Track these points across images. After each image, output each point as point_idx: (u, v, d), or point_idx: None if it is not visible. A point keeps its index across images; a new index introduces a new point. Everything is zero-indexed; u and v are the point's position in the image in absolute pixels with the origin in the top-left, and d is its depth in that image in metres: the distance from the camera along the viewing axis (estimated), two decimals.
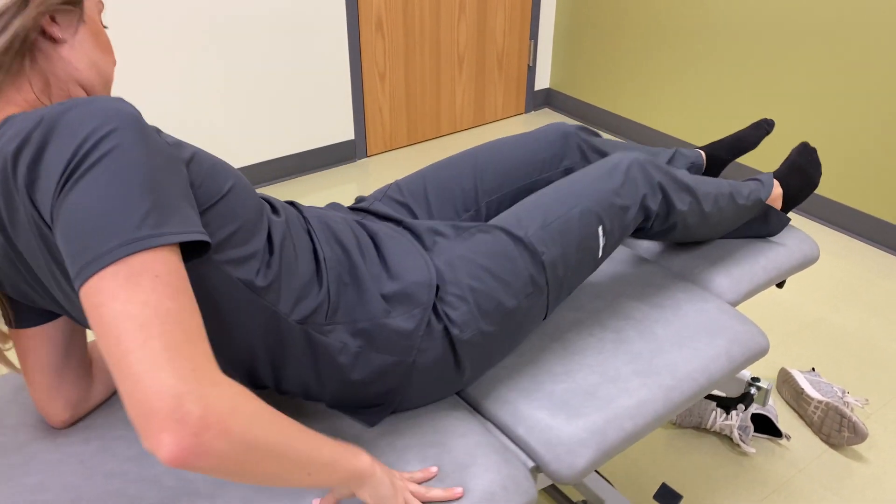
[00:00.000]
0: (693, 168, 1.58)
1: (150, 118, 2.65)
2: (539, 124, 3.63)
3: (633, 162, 1.19)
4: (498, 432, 1.07)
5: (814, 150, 1.52)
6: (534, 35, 3.54)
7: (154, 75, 2.57)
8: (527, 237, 1.09)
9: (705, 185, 1.32)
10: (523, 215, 1.12)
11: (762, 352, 1.23)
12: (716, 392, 1.59)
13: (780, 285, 1.58)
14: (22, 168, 0.70)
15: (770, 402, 1.71)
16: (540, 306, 1.12)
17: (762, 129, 1.59)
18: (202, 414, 0.61)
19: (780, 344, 2.11)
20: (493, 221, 1.13)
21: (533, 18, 3.50)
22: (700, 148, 1.61)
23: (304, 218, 1.00)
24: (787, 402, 1.91)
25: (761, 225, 1.46)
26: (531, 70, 3.63)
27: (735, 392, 1.37)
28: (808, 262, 1.47)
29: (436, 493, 0.91)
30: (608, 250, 1.20)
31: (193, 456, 0.61)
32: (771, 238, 1.47)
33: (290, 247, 0.91)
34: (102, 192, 0.66)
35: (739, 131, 1.61)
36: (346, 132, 3.15)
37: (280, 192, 3.01)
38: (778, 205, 1.49)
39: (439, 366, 1.02)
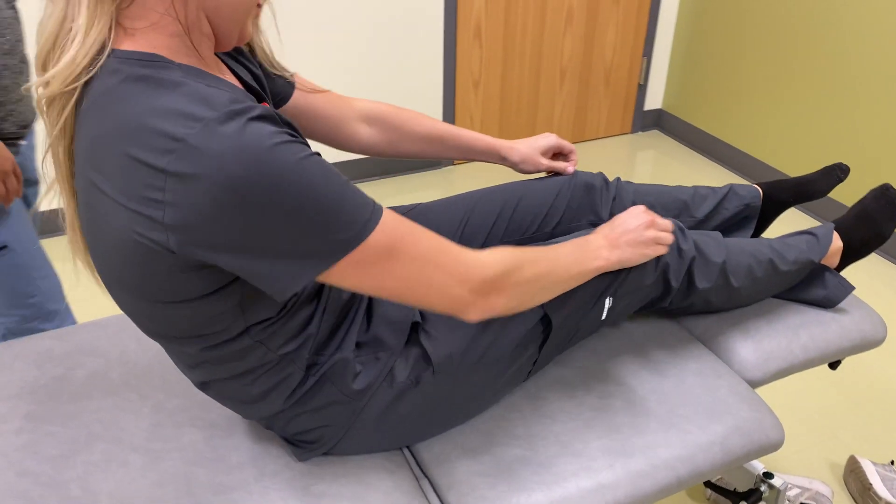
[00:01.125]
0: (747, 210, 1.39)
1: None
2: (647, 146, 3.42)
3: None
4: (431, 493, 0.97)
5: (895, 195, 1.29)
6: (647, 53, 3.34)
7: None
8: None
9: (740, 254, 1.16)
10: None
11: (772, 446, 1.05)
12: (721, 483, 1.38)
13: (832, 365, 1.36)
14: None
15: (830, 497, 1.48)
16: (528, 358, 1.02)
17: (834, 175, 1.37)
18: (482, 297, 0.81)
19: (857, 423, 1.85)
20: None
21: (648, 35, 3.29)
22: (759, 184, 1.41)
23: None
24: (853, 497, 1.66)
25: (816, 289, 1.26)
26: (641, 89, 3.43)
27: (742, 485, 1.19)
28: (866, 344, 1.25)
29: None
30: (612, 317, 1.09)
31: (492, 314, 0.83)
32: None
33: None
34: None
35: (808, 174, 1.41)
36: None
37: (366, 192, 3.00)
38: (835, 261, 1.29)
39: (388, 412, 0.94)
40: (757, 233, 1.43)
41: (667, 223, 1.06)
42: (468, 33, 2.93)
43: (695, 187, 1.38)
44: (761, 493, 1.13)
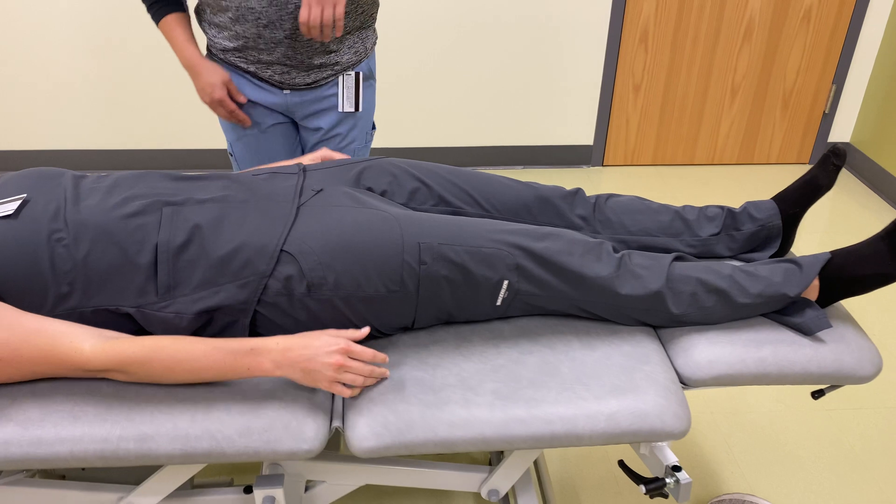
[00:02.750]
0: (764, 230, 1.35)
1: (409, 105, 2.98)
2: None
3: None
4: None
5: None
6: (838, 80, 3.09)
7: (418, 61, 2.90)
8: (415, 242, 1.12)
9: (685, 282, 1.18)
10: (439, 223, 1.15)
11: (666, 434, 1.07)
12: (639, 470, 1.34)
13: (814, 395, 1.29)
14: None
15: None
16: (407, 309, 1.15)
17: (828, 162, 1.30)
18: (100, 373, 1.06)
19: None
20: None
21: (841, 61, 3.05)
22: (775, 201, 1.37)
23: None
24: None
25: (793, 316, 1.21)
26: (826, 118, 3.18)
27: (650, 472, 1.17)
28: (844, 378, 1.18)
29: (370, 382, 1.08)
30: (512, 310, 1.21)
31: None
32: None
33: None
34: None
35: (805, 174, 1.34)
36: (585, 137, 3.16)
37: None
38: (813, 294, 1.23)
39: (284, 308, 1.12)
40: (781, 250, 1.39)
41: (363, 371, 1.05)
42: (634, 37, 2.95)
43: (705, 207, 1.38)
44: (665, 482, 1.13)
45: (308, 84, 1.61)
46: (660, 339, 1.24)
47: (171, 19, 1.57)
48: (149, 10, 1.59)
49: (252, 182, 1.22)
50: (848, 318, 1.27)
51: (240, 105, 1.63)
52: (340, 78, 1.62)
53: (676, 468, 1.13)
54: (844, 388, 2.01)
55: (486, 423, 1.05)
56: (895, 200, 2.96)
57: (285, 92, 1.62)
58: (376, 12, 1.63)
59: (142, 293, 1.09)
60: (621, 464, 1.20)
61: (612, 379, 1.11)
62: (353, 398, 1.09)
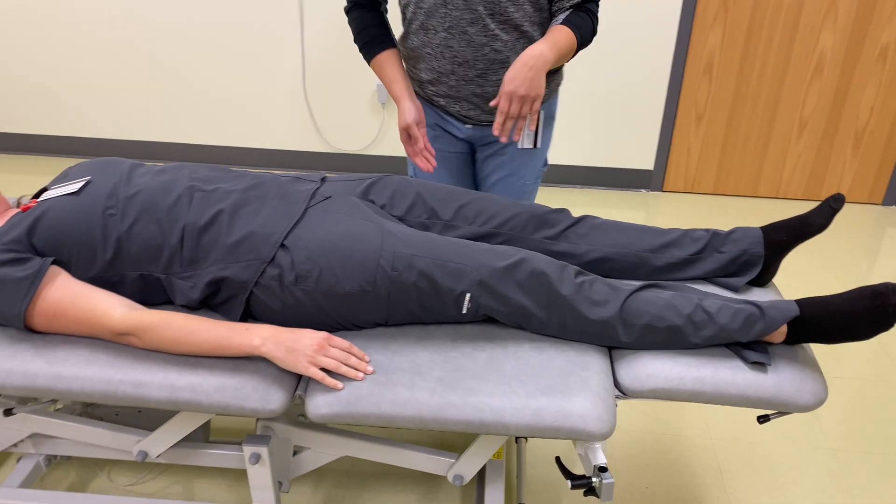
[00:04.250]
0: (745, 255, 1.41)
1: None
2: None
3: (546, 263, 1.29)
4: None
5: (882, 314, 1.18)
6: None
7: None
8: (394, 248, 1.27)
9: (640, 315, 1.26)
10: (414, 237, 1.30)
11: (586, 434, 1.16)
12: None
13: (761, 420, 1.34)
14: None
15: None
16: (378, 309, 1.29)
17: (827, 207, 1.33)
18: (120, 336, 1.27)
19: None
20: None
21: None
22: (762, 228, 1.42)
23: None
24: None
25: (738, 343, 1.28)
26: None
27: (583, 466, 1.25)
28: (782, 404, 1.23)
29: (345, 368, 1.21)
30: (478, 317, 1.32)
31: (132, 346, 1.29)
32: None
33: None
34: None
35: (806, 212, 1.38)
36: (645, 161, 3.20)
37: (563, 198, 3.25)
38: (778, 339, 1.27)
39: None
40: (761, 278, 1.44)
41: (338, 356, 1.20)
42: (698, 66, 2.98)
43: (689, 230, 1.45)
44: (591, 480, 1.21)
45: (490, 122, 1.67)
46: (609, 350, 1.33)
47: (381, 58, 1.64)
48: (361, 50, 1.66)
49: (275, 182, 1.41)
50: (800, 349, 1.31)
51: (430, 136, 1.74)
52: (528, 116, 1.57)
53: (603, 469, 1.22)
54: (854, 430, 1.99)
55: (425, 405, 1.19)
56: None
57: (467, 126, 1.69)
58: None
59: (170, 263, 1.31)
60: (557, 460, 1.30)
61: (548, 379, 1.22)
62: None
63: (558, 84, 1.71)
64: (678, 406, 2.06)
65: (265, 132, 3.29)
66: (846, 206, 3.20)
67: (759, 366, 1.25)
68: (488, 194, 1.49)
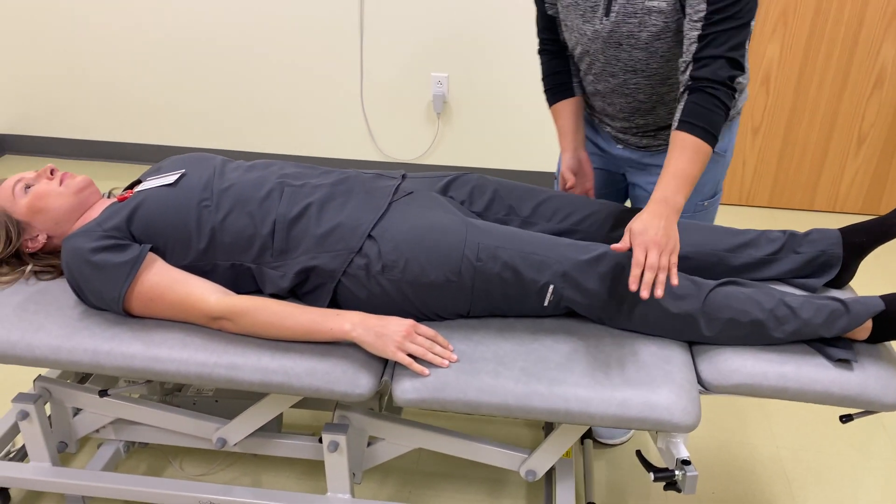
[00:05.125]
0: (823, 256, 1.41)
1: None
2: None
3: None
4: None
5: None
6: None
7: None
8: (476, 242, 1.30)
9: (723, 309, 1.27)
10: (499, 227, 1.33)
11: (672, 426, 1.17)
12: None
13: (843, 419, 1.33)
14: None
15: None
16: (462, 298, 1.32)
17: None
18: (214, 321, 1.33)
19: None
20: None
21: None
22: (840, 230, 1.42)
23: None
24: None
25: (821, 341, 1.28)
26: None
27: (664, 458, 1.25)
28: (867, 403, 1.23)
29: (431, 356, 1.25)
30: (559, 309, 1.34)
31: (226, 331, 1.34)
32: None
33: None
34: None
35: (886, 214, 1.37)
36: None
37: None
38: (861, 336, 1.27)
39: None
40: (839, 280, 1.44)
41: (424, 344, 1.25)
42: (755, 79, 2.98)
43: (765, 230, 1.45)
44: (673, 473, 1.22)
45: (640, 147, 1.61)
46: (689, 345, 1.34)
47: (557, 107, 1.63)
48: (544, 93, 1.66)
49: (359, 178, 1.46)
50: (885, 349, 1.31)
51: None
52: None
53: (686, 462, 1.22)
54: None
55: (510, 393, 1.21)
56: None
57: (618, 146, 1.65)
58: (736, 96, 1.44)
59: (261, 254, 1.36)
60: (638, 454, 1.30)
61: (632, 372, 1.24)
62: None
63: (729, 119, 1.54)
64: (742, 414, 2.05)
65: (321, 141, 3.36)
66: None
67: (845, 363, 1.25)
68: (567, 193, 1.51)
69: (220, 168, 1.45)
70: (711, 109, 1.28)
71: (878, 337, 1.27)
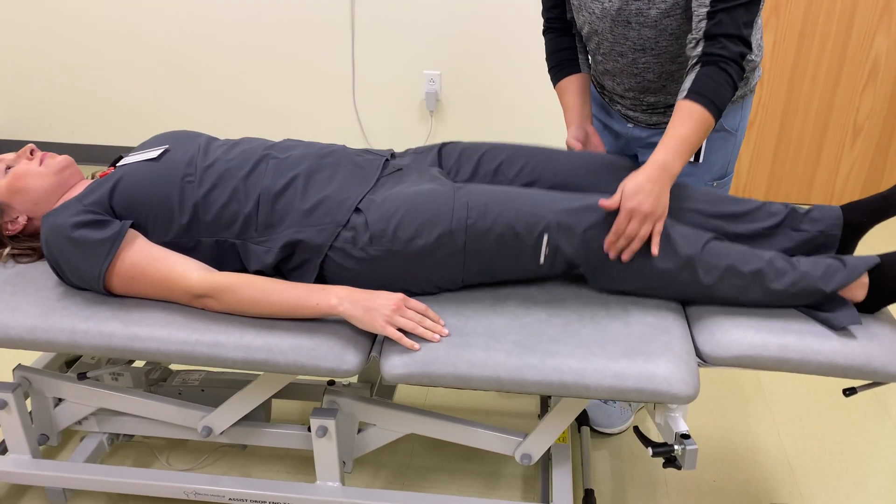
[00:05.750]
0: (821, 237, 1.38)
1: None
2: None
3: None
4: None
5: None
6: None
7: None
8: (468, 199, 1.26)
9: (722, 257, 1.23)
10: (488, 186, 1.28)
11: (670, 396, 1.13)
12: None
13: (846, 392, 1.29)
14: None
15: None
16: (456, 264, 1.27)
17: None
18: (197, 300, 1.28)
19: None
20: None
21: None
22: (842, 207, 1.38)
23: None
24: None
25: (822, 308, 1.24)
26: None
27: (663, 433, 1.20)
28: (872, 372, 1.19)
29: (421, 329, 1.21)
30: (555, 269, 1.29)
31: (211, 309, 1.29)
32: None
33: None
34: None
35: (887, 190, 1.33)
36: None
37: None
38: (858, 294, 1.23)
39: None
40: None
41: (414, 318, 1.20)
42: None
43: (767, 202, 1.41)
44: (672, 447, 1.17)
45: (650, 125, 1.60)
46: (686, 318, 1.30)
47: (563, 84, 1.61)
48: (549, 72, 1.64)
49: (346, 152, 1.42)
50: (888, 317, 1.27)
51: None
52: None
53: (685, 436, 1.18)
54: None
55: (502, 366, 1.17)
56: None
57: (629, 125, 1.63)
58: (751, 72, 1.52)
59: (245, 228, 1.32)
60: (636, 430, 1.26)
61: (628, 343, 1.20)
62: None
63: (741, 96, 1.53)
64: (743, 402, 2.01)
65: (312, 137, 3.33)
66: None
67: (847, 332, 1.21)
68: (555, 150, 1.46)
69: (204, 146, 1.41)
70: (720, 84, 1.26)
71: (875, 298, 1.24)
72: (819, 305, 1.25)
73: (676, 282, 1.25)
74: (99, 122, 3.41)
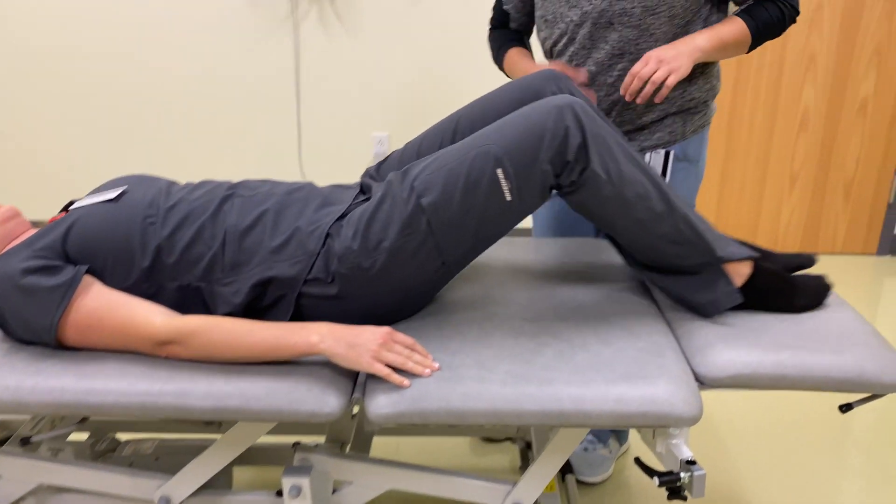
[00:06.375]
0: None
1: None
2: None
3: (566, 105, 1.15)
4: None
5: (825, 293, 1.32)
6: None
7: None
8: (412, 182, 1.18)
9: (639, 174, 1.20)
10: (427, 161, 1.22)
11: (676, 419, 1.08)
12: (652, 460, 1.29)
13: (842, 408, 1.27)
14: None
15: None
16: (429, 250, 1.19)
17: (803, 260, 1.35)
18: (160, 347, 1.18)
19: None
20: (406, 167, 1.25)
21: None
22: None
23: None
24: None
25: (704, 292, 1.26)
26: (891, 208, 3.15)
27: (665, 463, 1.15)
28: (867, 383, 1.17)
29: (411, 364, 1.12)
30: (526, 197, 1.18)
31: (177, 357, 1.19)
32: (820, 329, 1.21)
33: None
34: None
35: (796, 258, 1.37)
36: None
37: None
38: (737, 282, 1.27)
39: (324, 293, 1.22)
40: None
41: (403, 352, 1.12)
42: None
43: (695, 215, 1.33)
44: (678, 475, 1.11)
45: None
46: (677, 342, 1.27)
47: (512, 54, 1.63)
48: (495, 60, 1.65)
49: (316, 187, 1.36)
50: (871, 330, 1.26)
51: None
52: (649, 154, 1.59)
53: (691, 462, 1.12)
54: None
55: (498, 396, 1.09)
56: None
57: None
58: (711, 100, 1.60)
59: (210, 269, 1.23)
60: (637, 460, 1.20)
61: (624, 367, 1.14)
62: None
63: (700, 126, 1.59)
64: (719, 442, 1.97)
65: None
66: (843, 258, 3.23)
67: (836, 344, 1.19)
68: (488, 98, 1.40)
69: (165, 188, 1.33)
70: (772, 17, 1.43)
71: (752, 289, 1.28)
72: (694, 288, 1.27)
73: (605, 196, 1.20)
74: (27, 192, 3.26)
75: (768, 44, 2.92)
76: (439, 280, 1.26)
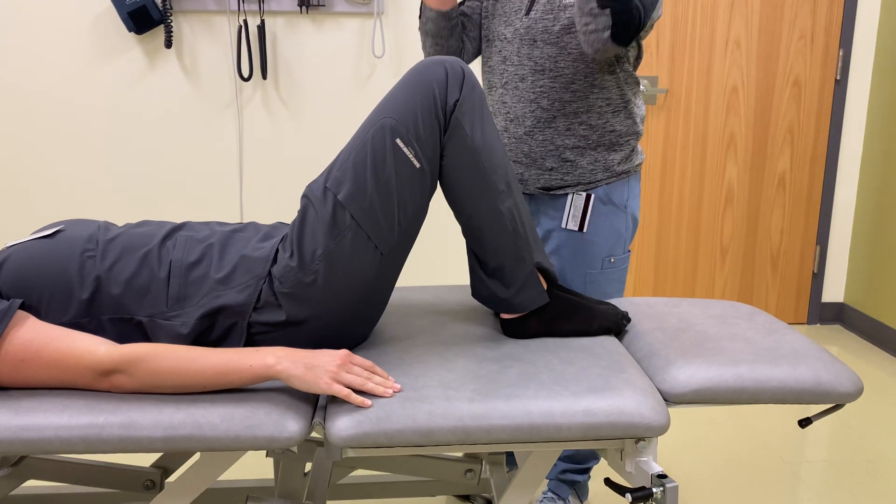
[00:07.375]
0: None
1: None
2: (827, 340, 3.21)
3: (442, 58, 1.22)
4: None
5: (619, 326, 1.37)
6: (821, 240, 3.27)
7: None
8: (324, 183, 1.19)
9: (500, 150, 1.26)
10: (333, 160, 1.24)
11: (645, 427, 1.07)
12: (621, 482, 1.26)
13: (801, 423, 1.28)
14: None
15: None
16: (362, 243, 1.18)
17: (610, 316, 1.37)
18: (104, 378, 1.11)
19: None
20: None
21: (821, 223, 3.25)
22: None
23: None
24: None
25: (513, 283, 1.29)
26: (817, 278, 3.31)
27: (635, 482, 1.12)
28: (824, 393, 1.19)
29: (371, 385, 1.09)
30: (433, 157, 1.21)
31: (122, 389, 1.11)
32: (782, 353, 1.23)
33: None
34: None
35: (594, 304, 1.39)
36: None
37: None
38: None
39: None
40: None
41: (362, 374, 1.10)
42: None
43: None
44: (651, 490, 1.08)
45: (540, 188, 1.62)
46: (637, 363, 1.27)
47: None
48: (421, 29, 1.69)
49: (260, 225, 1.35)
50: (821, 347, 1.30)
51: None
52: (570, 196, 1.61)
53: (662, 476, 1.10)
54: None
55: (467, 413, 1.07)
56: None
57: (526, 193, 1.67)
58: (633, 139, 1.62)
59: (154, 303, 1.18)
60: (607, 481, 1.17)
61: (590, 382, 1.14)
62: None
63: (624, 172, 1.62)
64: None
65: None
66: None
67: (792, 358, 1.22)
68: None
69: (104, 225, 1.29)
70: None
71: (553, 297, 1.35)
72: (502, 275, 1.30)
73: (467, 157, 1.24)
74: None
75: (690, 124, 3.12)
76: (385, 277, 1.24)
